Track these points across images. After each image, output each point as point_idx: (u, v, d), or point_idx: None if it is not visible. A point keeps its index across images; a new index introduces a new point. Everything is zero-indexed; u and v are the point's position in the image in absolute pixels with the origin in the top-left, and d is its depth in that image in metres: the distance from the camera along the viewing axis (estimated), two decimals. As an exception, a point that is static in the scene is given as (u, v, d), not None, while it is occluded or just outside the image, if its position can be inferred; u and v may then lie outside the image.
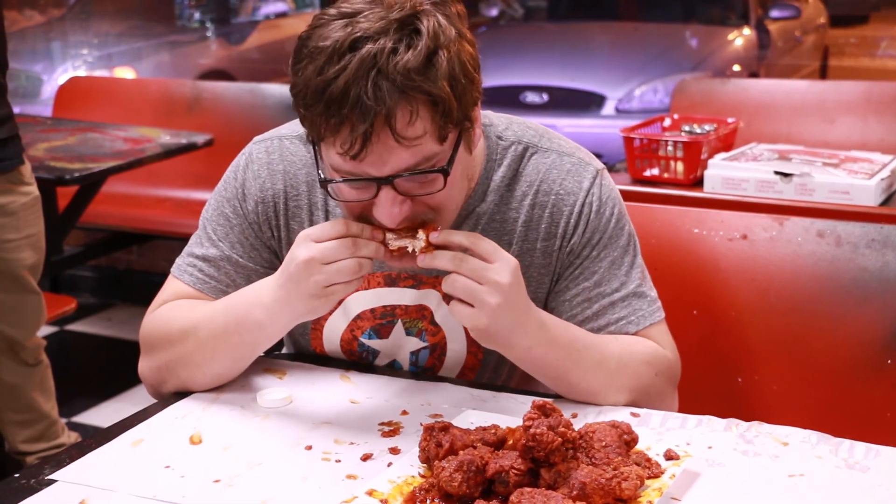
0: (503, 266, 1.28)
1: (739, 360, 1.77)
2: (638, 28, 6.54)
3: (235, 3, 7.63)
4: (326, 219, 1.47)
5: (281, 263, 1.49)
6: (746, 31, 6.12)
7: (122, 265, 4.41)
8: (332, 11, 1.23)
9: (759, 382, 1.75)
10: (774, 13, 6.36)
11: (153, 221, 3.79)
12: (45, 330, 4.10)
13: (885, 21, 8.27)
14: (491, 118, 1.49)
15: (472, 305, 1.28)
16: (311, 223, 1.47)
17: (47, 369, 2.74)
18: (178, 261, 1.51)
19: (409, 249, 1.29)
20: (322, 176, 1.29)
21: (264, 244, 1.49)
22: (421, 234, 1.28)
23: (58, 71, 6.23)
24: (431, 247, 1.28)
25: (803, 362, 1.73)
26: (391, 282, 1.48)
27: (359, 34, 1.19)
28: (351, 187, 1.28)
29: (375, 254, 1.29)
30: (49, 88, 5.83)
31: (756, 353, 1.76)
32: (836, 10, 7.37)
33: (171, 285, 1.50)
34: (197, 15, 7.39)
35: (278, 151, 1.49)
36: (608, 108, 5.29)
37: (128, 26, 7.06)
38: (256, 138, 1.52)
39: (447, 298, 1.47)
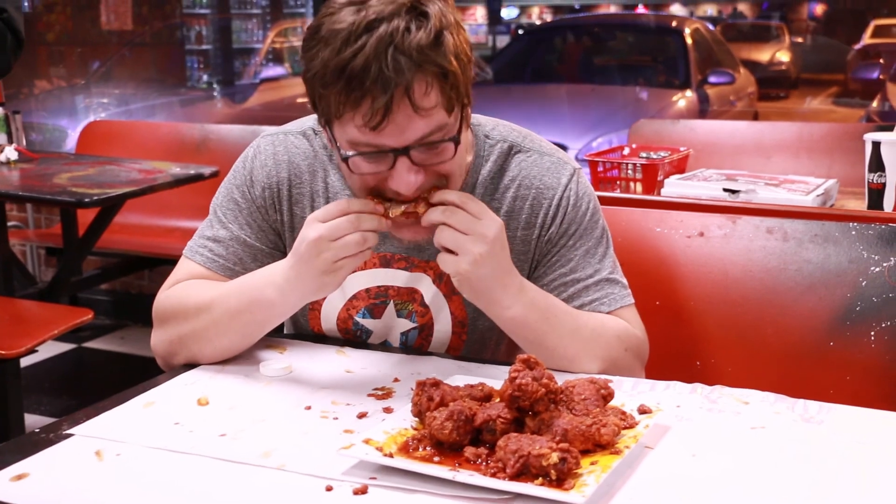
0: (490, 222, 1.24)
1: (698, 345, 1.73)
2: (595, 90, 6.58)
3: (238, 68, 7.63)
4: (327, 204, 1.42)
5: (284, 244, 1.45)
6: (689, 93, 6.21)
7: (134, 289, 4.33)
8: (340, 1, 1.21)
9: (716, 365, 1.71)
10: (712, 79, 6.47)
11: (163, 248, 3.71)
12: (64, 346, 4.04)
13: (803, 95, 8.90)
14: (479, 119, 1.46)
15: (457, 254, 1.23)
16: (312, 209, 1.42)
17: None
18: (190, 243, 1.46)
19: (413, 209, 1.25)
20: (342, 153, 1.24)
21: (270, 226, 1.44)
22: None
23: (81, 124, 6.19)
24: (429, 206, 1.25)
25: (755, 346, 1.69)
26: (385, 263, 1.44)
27: (373, 17, 1.17)
28: (367, 160, 1.24)
29: (378, 226, 1.25)
30: (72, 139, 5.78)
31: (713, 338, 1.72)
32: (763, 85, 7.52)
33: (184, 265, 1.45)
34: (205, 77, 7.38)
35: (283, 144, 1.45)
36: (570, 155, 5.29)
37: (143, 87, 7.04)
38: (263, 133, 1.48)
39: (437, 278, 1.43)
